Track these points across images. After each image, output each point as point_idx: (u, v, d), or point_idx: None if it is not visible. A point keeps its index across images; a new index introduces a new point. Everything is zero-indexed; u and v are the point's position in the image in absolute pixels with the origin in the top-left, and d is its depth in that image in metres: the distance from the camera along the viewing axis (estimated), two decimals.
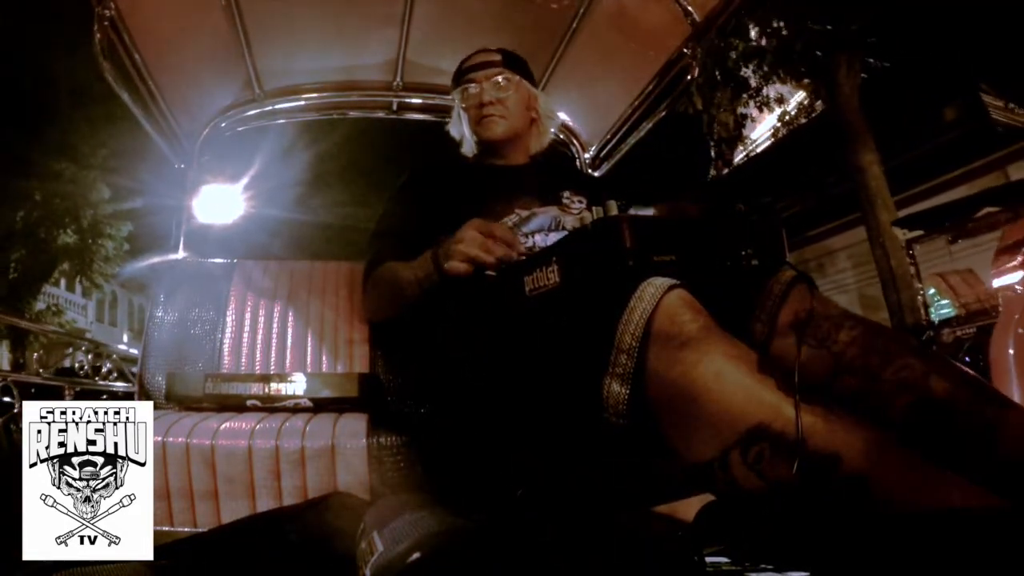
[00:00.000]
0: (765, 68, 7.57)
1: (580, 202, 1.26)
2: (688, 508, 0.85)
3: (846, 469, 0.54)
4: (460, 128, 1.38)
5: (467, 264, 1.00)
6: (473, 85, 1.30)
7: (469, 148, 1.38)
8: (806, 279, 0.83)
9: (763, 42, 7.33)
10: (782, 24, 7.01)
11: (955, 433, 0.66)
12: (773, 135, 9.52)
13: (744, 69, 7.82)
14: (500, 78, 1.30)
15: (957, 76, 7.09)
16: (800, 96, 8.43)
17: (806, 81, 7.63)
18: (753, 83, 7.93)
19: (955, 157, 7.66)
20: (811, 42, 6.71)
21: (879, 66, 7.42)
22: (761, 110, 8.39)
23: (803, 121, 8.61)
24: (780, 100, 8.30)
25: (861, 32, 6.60)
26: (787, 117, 8.78)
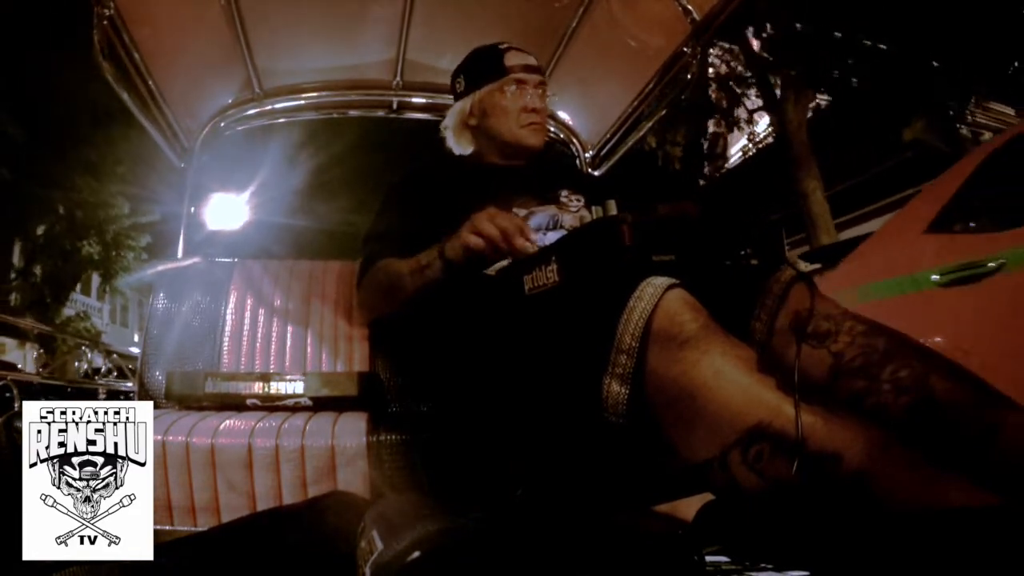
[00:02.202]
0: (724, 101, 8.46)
1: (578, 200, 1.25)
2: (688, 508, 0.85)
3: (846, 469, 0.54)
4: (460, 118, 1.30)
5: (477, 239, 0.96)
6: (521, 87, 1.25)
7: (461, 145, 1.33)
8: (806, 278, 0.83)
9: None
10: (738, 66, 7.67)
11: (955, 433, 0.66)
12: (743, 153, 10.37)
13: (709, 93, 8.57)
14: (543, 89, 1.28)
15: (918, 97, 7.47)
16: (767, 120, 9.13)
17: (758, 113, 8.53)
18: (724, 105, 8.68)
19: (908, 178, 7.89)
20: (762, 79, 7.42)
21: (838, 90, 7.99)
22: (731, 130, 9.13)
23: (770, 141, 9.28)
24: (750, 120, 9.01)
25: (812, 67, 7.14)
26: (756, 138, 9.62)
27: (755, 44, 7.62)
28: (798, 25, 7.13)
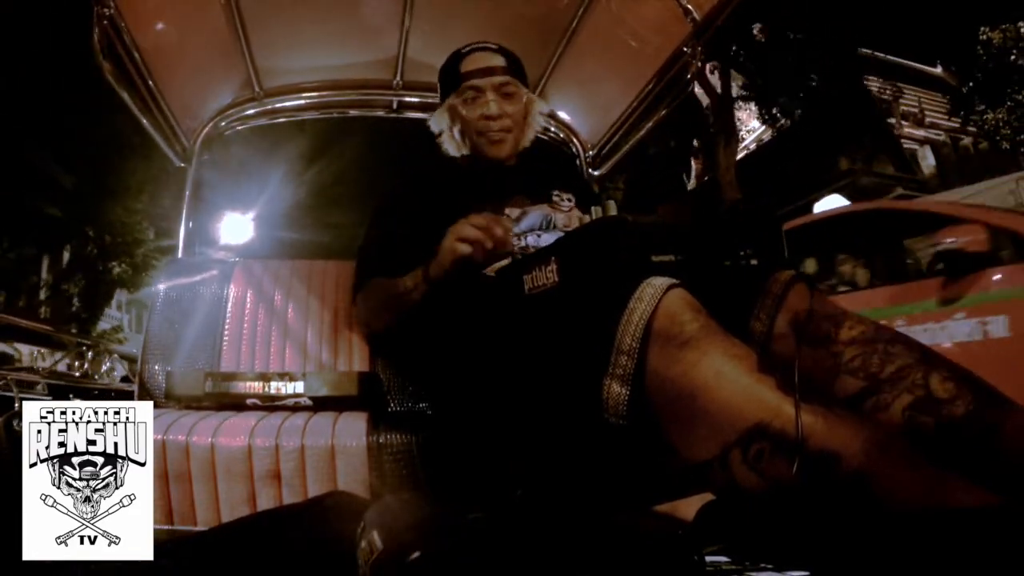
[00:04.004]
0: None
1: (569, 200, 1.25)
2: (688, 508, 0.85)
3: (846, 468, 0.54)
4: (444, 125, 1.29)
5: (464, 246, 0.99)
6: (477, 93, 1.21)
7: (453, 148, 1.32)
8: (805, 279, 0.83)
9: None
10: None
11: (955, 433, 0.66)
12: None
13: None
14: (506, 89, 1.21)
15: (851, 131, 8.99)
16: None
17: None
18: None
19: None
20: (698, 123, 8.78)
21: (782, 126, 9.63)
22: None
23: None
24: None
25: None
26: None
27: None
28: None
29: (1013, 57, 9.75)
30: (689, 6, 1.51)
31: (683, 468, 0.65)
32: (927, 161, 13.39)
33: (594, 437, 0.75)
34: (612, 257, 0.73)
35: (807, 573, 0.63)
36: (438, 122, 1.30)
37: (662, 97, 1.77)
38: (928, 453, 0.55)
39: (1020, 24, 9.90)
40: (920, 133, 12.96)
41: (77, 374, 4.57)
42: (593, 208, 1.12)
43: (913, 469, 0.54)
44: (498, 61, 1.23)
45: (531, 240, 1.15)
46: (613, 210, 0.99)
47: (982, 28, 10.21)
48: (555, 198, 1.25)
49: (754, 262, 0.83)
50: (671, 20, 1.56)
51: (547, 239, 1.13)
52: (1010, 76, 9.81)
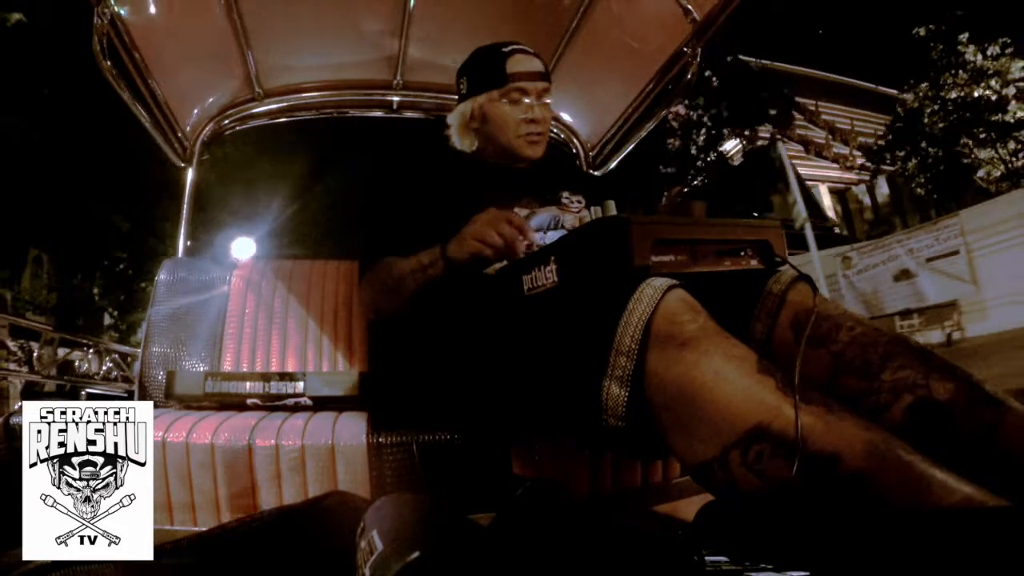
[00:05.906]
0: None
1: (579, 202, 1.25)
2: (688, 508, 0.85)
3: (845, 469, 0.54)
4: (467, 116, 1.27)
5: (482, 247, 0.99)
6: (522, 95, 1.21)
7: (466, 143, 1.30)
8: (806, 279, 0.83)
9: None
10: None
11: (955, 433, 0.66)
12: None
13: None
14: (546, 96, 1.23)
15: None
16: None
17: None
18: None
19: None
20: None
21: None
22: None
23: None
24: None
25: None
26: None
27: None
28: None
29: (926, 120, 10.81)
30: (689, 6, 1.52)
31: (683, 469, 0.65)
32: (881, 191, 13.61)
33: (594, 438, 0.75)
34: (613, 257, 0.73)
35: (807, 573, 0.63)
36: (463, 112, 1.27)
37: (662, 97, 1.77)
38: (928, 454, 0.55)
39: (920, 88, 10.93)
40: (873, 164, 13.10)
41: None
42: (592, 208, 1.12)
43: (912, 470, 0.54)
44: (540, 67, 1.24)
45: (538, 239, 1.15)
46: (612, 210, 0.99)
47: (898, 91, 11.35)
48: (564, 200, 1.24)
49: (755, 262, 0.83)
50: (671, 20, 1.56)
51: (552, 239, 1.13)
52: (922, 134, 11.00)
